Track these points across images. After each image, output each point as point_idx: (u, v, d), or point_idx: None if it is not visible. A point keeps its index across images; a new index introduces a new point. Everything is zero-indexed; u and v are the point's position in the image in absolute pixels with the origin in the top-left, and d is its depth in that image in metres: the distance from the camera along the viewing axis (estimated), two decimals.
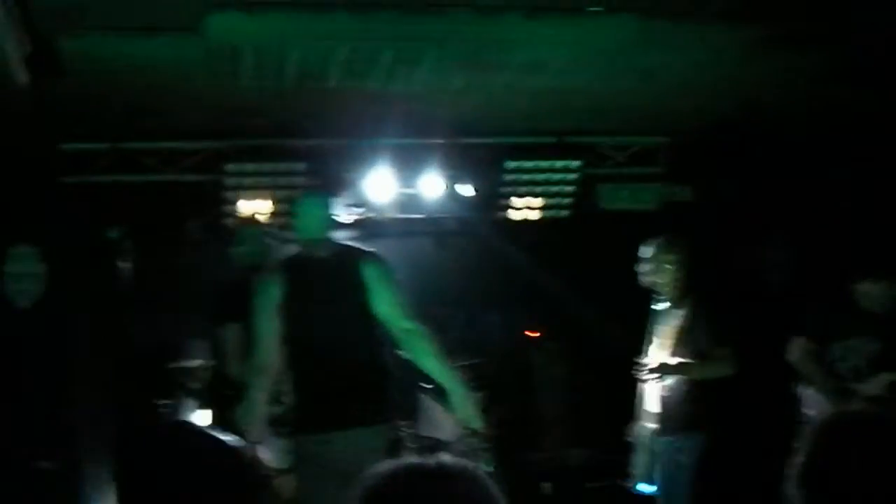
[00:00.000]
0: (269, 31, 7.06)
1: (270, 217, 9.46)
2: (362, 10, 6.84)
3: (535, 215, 10.59)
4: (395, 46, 7.47)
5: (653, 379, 7.45)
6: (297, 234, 6.39)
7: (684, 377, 7.39)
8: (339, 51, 7.46)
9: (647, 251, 7.65)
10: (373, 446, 5.96)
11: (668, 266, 7.53)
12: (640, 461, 7.68)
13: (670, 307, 7.53)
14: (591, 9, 7.03)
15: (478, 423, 6.29)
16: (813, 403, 7.45)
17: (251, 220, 7.94)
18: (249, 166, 9.69)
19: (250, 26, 6.90)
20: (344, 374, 6.02)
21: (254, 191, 9.70)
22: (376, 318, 6.19)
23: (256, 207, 9.58)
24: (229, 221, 8.67)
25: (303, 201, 6.64)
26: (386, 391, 6.22)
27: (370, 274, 6.19)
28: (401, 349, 6.42)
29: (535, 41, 7.43)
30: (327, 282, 6.15)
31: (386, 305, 6.20)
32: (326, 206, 6.54)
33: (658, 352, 7.51)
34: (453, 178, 10.23)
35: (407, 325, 6.23)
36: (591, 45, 7.56)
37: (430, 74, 8.01)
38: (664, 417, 7.48)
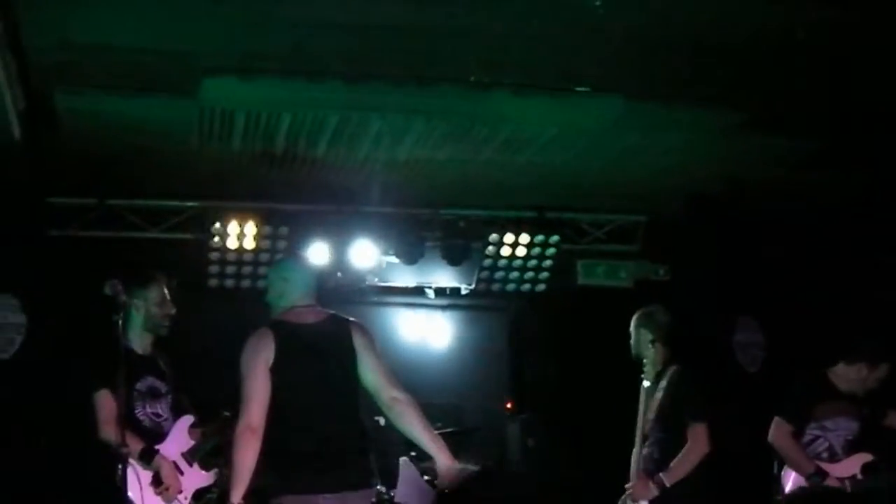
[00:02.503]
0: (261, 96, 7.19)
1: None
2: (354, 81, 6.98)
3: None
4: (383, 117, 7.59)
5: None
6: (280, 300, 6.41)
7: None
8: (329, 119, 7.58)
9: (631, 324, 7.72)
10: None
11: (647, 337, 7.57)
12: None
13: (652, 382, 7.56)
14: (578, 88, 7.19)
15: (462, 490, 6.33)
16: (791, 483, 7.56)
17: (157, 279, 7.37)
18: (233, 227, 9.77)
19: (244, 91, 7.02)
20: (335, 439, 6.06)
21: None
22: (363, 384, 6.26)
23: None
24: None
25: (288, 266, 6.69)
26: (370, 456, 6.29)
27: (359, 342, 6.26)
28: (385, 416, 6.46)
29: (521, 118, 7.56)
30: (320, 348, 6.18)
31: (374, 373, 6.25)
32: (312, 272, 6.60)
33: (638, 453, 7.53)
34: (434, 249, 10.31)
35: (394, 393, 6.28)
36: (577, 123, 7.70)
37: (417, 146, 8.14)
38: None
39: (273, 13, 6.06)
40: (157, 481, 6.86)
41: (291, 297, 6.33)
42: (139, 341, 7.22)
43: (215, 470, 7.26)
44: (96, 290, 6.24)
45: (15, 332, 9.39)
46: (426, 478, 8.65)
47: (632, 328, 7.73)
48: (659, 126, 7.86)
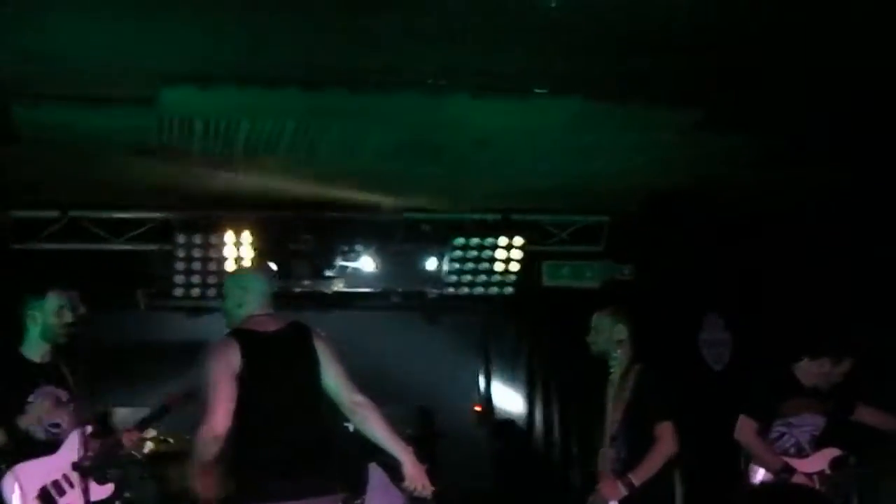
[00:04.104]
0: (220, 104, 7.19)
1: None
2: (311, 87, 6.98)
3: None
4: (342, 123, 7.60)
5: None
6: (238, 309, 6.41)
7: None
8: (287, 126, 7.58)
9: (595, 320, 7.69)
10: None
11: (615, 334, 7.55)
12: None
13: (619, 380, 7.54)
14: (536, 90, 7.21)
15: (428, 493, 6.34)
16: (759, 480, 7.60)
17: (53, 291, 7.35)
18: (197, 237, 9.76)
19: (202, 100, 7.02)
20: (299, 446, 6.07)
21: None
22: (325, 391, 6.27)
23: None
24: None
25: (247, 275, 6.69)
26: (334, 462, 6.30)
27: (320, 349, 6.27)
28: (349, 422, 6.47)
29: (480, 121, 7.58)
30: (284, 356, 6.21)
31: (335, 379, 6.27)
32: (270, 281, 6.61)
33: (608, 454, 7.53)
34: (399, 254, 10.31)
35: (356, 397, 6.30)
36: (536, 125, 7.72)
37: (376, 151, 8.15)
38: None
39: (230, 21, 6.06)
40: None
41: (250, 306, 6.33)
42: (36, 351, 7.21)
43: (111, 484, 7.22)
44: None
45: None
46: (398, 484, 8.64)
47: (601, 326, 7.67)
48: (618, 126, 7.87)
